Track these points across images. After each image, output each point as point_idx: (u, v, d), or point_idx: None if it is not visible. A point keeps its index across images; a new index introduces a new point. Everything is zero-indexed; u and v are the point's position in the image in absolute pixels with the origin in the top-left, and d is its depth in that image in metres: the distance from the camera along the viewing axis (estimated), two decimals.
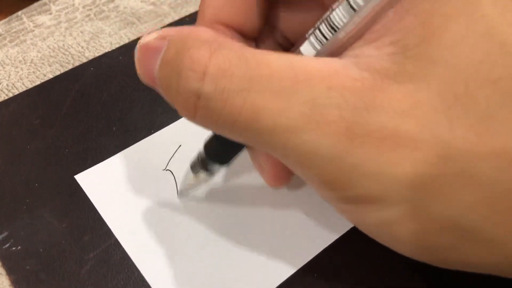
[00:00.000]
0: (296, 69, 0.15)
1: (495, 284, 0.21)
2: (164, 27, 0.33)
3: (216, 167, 0.21)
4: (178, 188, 0.24)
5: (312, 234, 0.22)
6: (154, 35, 0.17)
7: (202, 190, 0.24)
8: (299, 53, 0.17)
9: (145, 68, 0.17)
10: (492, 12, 0.14)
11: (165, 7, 0.35)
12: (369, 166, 0.14)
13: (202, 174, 0.22)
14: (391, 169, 0.14)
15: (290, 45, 0.21)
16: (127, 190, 0.24)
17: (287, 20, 0.20)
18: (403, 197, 0.15)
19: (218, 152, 0.21)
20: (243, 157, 0.25)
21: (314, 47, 0.16)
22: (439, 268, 0.21)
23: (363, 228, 0.18)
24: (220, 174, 0.25)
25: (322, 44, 0.16)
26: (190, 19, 0.34)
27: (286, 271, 0.21)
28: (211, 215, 0.23)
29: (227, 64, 0.15)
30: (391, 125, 0.14)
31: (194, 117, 0.16)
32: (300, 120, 0.14)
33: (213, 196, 0.24)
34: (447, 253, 0.16)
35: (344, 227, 0.23)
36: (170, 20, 0.34)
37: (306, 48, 0.16)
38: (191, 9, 0.35)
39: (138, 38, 0.32)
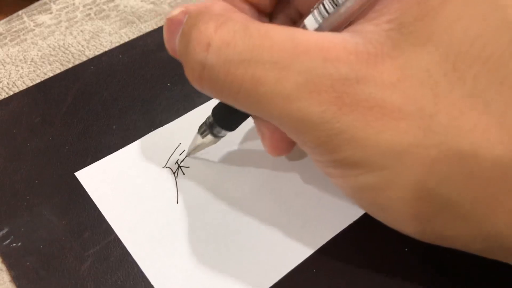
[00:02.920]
0: (296, 42, 0.16)
1: (496, 284, 0.21)
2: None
3: (222, 131, 0.22)
4: (186, 150, 0.25)
5: (311, 230, 0.22)
6: (178, 10, 0.18)
7: (201, 187, 0.24)
8: (304, 25, 0.18)
9: (169, 39, 0.18)
10: None
11: (165, 6, 0.35)
12: (355, 132, 0.16)
13: (209, 137, 0.23)
14: (374, 136, 0.15)
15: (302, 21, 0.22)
16: (127, 187, 0.24)
17: None
18: (383, 164, 0.16)
19: (224, 117, 0.22)
20: (243, 157, 0.25)
21: (316, 21, 0.17)
22: (439, 264, 0.21)
23: (349, 194, 0.19)
24: (220, 172, 0.25)
25: (324, 18, 0.17)
26: None
27: (285, 266, 0.21)
28: (211, 211, 0.23)
29: (231, 36, 0.16)
30: (378, 96, 0.15)
31: (202, 87, 0.17)
32: (295, 89, 0.16)
33: (212, 192, 0.24)
34: (424, 224, 0.17)
35: (343, 223, 0.23)
36: None
37: (309, 21, 0.17)
38: None
39: (138, 37, 0.32)
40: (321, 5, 0.17)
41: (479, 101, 0.15)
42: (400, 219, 0.17)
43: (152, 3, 0.35)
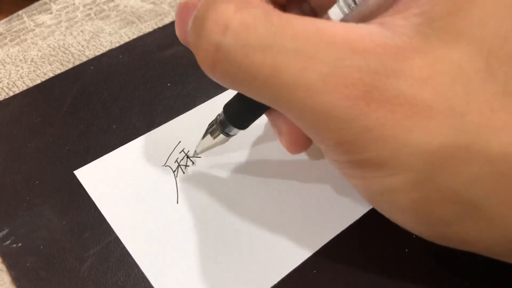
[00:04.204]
0: (321, 31, 0.15)
1: (497, 284, 0.21)
2: (164, 26, 0.33)
3: (233, 130, 0.22)
4: (194, 148, 0.24)
5: (311, 231, 0.22)
6: None
7: (201, 186, 0.24)
8: (328, 17, 0.17)
9: (180, 25, 0.17)
10: None
11: (165, 6, 0.35)
12: (383, 130, 0.15)
13: (219, 136, 0.22)
14: (404, 135, 0.15)
15: (315, 17, 0.21)
16: (127, 186, 0.24)
17: None
18: (411, 165, 0.15)
19: (237, 114, 0.21)
20: (243, 157, 0.25)
21: (342, 11, 0.16)
22: (439, 265, 0.21)
23: (367, 196, 0.18)
24: (220, 172, 0.25)
25: (351, 9, 0.16)
26: None
27: (286, 267, 0.21)
28: (211, 211, 0.23)
29: (252, 20, 0.15)
30: (409, 92, 0.14)
31: (214, 71, 0.16)
32: (319, 80, 0.15)
33: (213, 192, 0.24)
34: (447, 227, 0.16)
35: (343, 223, 0.23)
36: (170, 19, 0.34)
37: (334, 11, 0.17)
38: None
39: (138, 38, 0.32)
40: None
41: (510, 99, 0.14)
42: (421, 222, 0.17)
43: (152, 3, 0.35)
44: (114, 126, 0.27)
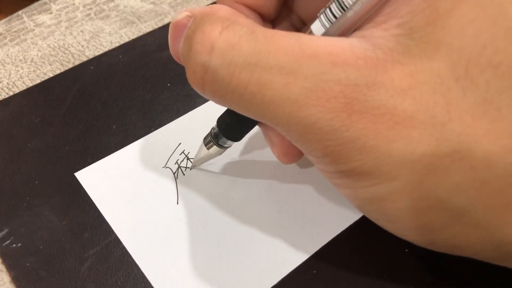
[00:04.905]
0: (303, 46, 0.15)
1: (496, 285, 0.21)
2: (164, 26, 0.33)
3: (227, 142, 0.22)
4: (192, 162, 0.25)
5: (311, 232, 0.22)
6: (183, 14, 0.17)
7: (201, 187, 0.24)
8: (310, 31, 0.17)
9: (173, 44, 0.18)
10: None
11: (165, 6, 0.35)
12: (365, 141, 0.15)
13: (214, 148, 0.23)
14: (386, 145, 0.15)
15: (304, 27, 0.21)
16: (127, 187, 0.24)
17: (304, 3, 0.21)
18: (395, 174, 0.15)
19: (230, 128, 0.21)
20: (243, 158, 0.25)
21: (323, 26, 0.17)
22: (440, 266, 0.21)
23: (357, 204, 0.18)
24: (220, 173, 0.25)
25: (331, 23, 0.17)
26: None
27: (285, 268, 0.21)
28: (211, 212, 0.23)
29: (237, 39, 0.15)
30: (389, 103, 0.15)
31: (204, 91, 0.17)
32: (302, 94, 0.15)
33: (212, 193, 0.24)
34: (435, 234, 0.17)
35: (343, 224, 0.23)
36: (170, 19, 0.34)
37: (316, 26, 0.17)
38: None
39: (138, 38, 0.32)
40: (328, 10, 0.17)
41: (492, 107, 0.15)
42: (410, 229, 0.17)
43: (152, 3, 0.35)
44: (114, 126, 0.27)
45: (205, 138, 0.23)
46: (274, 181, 0.24)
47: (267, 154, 0.25)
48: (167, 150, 0.26)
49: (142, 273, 0.21)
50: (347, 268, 0.21)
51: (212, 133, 0.22)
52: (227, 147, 0.23)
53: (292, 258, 0.22)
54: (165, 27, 0.33)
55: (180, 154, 0.25)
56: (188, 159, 0.25)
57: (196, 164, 0.24)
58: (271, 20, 0.21)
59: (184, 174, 0.25)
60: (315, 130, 0.15)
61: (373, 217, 0.18)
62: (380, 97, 0.15)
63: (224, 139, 0.22)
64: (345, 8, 0.16)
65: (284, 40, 0.15)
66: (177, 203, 0.23)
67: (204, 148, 0.23)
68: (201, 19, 0.16)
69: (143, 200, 0.24)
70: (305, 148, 0.17)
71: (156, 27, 0.33)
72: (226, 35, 0.15)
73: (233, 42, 0.15)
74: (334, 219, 0.23)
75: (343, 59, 0.15)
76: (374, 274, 0.21)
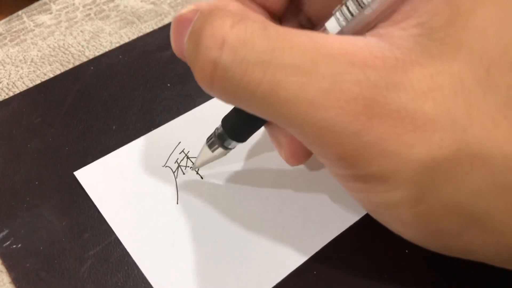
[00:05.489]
0: (318, 45, 0.15)
1: (497, 285, 0.21)
2: (164, 26, 0.33)
3: (232, 143, 0.21)
4: (195, 162, 0.24)
5: (312, 232, 0.22)
6: (189, 8, 0.17)
7: (201, 187, 0.24)
8: (324, 29, 0.17)
9: (176, 39, 0.17)
10: None
11: (165, 6, 0.35)
12: (385, 145, 0.14)
13: (218, 149, 0.22)
14: (406, 150, 0.14)
15: (312, 27, 0.21)
16: (127, 187, 0.24)
17: (312, 1, 0.20)
18: (414, 179, 0.15)
19: (235, 128, 0.21)
20: (243, 158, 0.25)
21: (339, 23, 0.16)
22: (440, 267, 0.21)
23: (369, 209, 0.18)
24: (220, 173, 0.25)
25: (348, 21, 0.16)
26: None
27: (286, 268, 0.21)
28: (211, 212, 0.23)
29: (249, 35, 0.15)
30: (410, 106, 0.14)
31: (212, 88, 0.16)
32: (319, 95, 0.14)
33: (212, 193, 0.24)
34: (450, 239, 0.16)
35: (344, 225, 0.23)
36: (170, 19, 0.34)
37: (331, 24, 0.16)
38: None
39: (138, 38, 0.32)
40: (344, 7, 0.16)
41: None
42: (424, 234, 0.17)
43: (152, 3, 0.35)
44: (114, 127, 0.27)
45: (208, 139, 0.22)
46: (274, 182, 0.24)
47: (267, 155, 0.25)
48: (167, 149, 0.26)
49: (142, 274, 0.21)
50: (347, 269, 0.21)
51: (216, 133, 0.21)
52: (231, 149, 0.22)
53: (292, 259, 0.22)
54: (165, 27, 0.33)
55: (180, 153, 0.25)
56: (188, 158, 0.25)
57: (199, 166, 0.24)
58: (279, 18, 0.20)
59: (184, 174, 0.25)
60: (332, 133, 0.15)
61: (385, 221, 0.18)
62: (401, 99, 0.14)
63: (228, 140, 0.21)
64: (362, 5, 0.15)
65: (298, 37, 0.15)
66: (177, 203, 0.23)
67: (207, 149, 0.22)
68: (210, 13, 0.15)
69: (143, 200, 0.24)
70: (319, 151, 0.16)
71: (156, 27, 0.33)
72: (238, 30, 0.15)
73: (245, 37, 0.15)
74: (334, 219, 0.23)
75: (361, 59, 0.14)
76: (375, 275, 0.21)
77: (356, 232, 0.22)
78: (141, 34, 0.33)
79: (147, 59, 0.31)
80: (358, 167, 0.15)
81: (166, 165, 0.25)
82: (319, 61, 0.14)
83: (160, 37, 0.32)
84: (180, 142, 0.26)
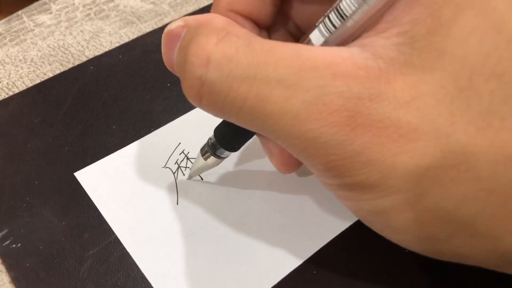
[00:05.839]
0: (302, 58, 0.15)
1: (497, 286, 0.21)
2: (164, 26, 0.33)
3: (225, 152, 0.22)
4: (189, 171, 0.24)
5: (311, 232, 0.22)
6: (177, 23, 0.17)
7: (201, 188, 0.24)
8: (309, 40, 0.17)
9: (167, 54, 0.17)
10: (503, 6, 0.14)
11: (165, 6, 0.35)
12: (370, 154, 0.15)
13: (211, 159, 0.22)
14: (391, 158, 0.15)
15: (302, 35, 0.21)
16: (127, 188, 0.24)
17: (300, 10, 0.20)
18: (401, 187, 0.15)
19: (227, 138, 0.21)
20: (243, 158, 0.25)
21: (323, 35, 0.16)
22: (439, 267, 0.21)
23: (360, 216, 0.18)
24: (220, 174, 0.25)
25: (331, 32, 0.16)
26: None
27: (285, 268, 0.21)
28: (211, 212, 0.23)
29: (234, 51, 0.15)
30: (394, 115, 0.15)
31: (200, 104, 0.16)
32: (303, 108, 0.15)
33: (212, 193, 0.24)
34: (440, 244, 0.16)
35: (343, 224, 0.23)
36: (170, 19, 0.34)
37: (315, 35, 0.17)
38: (190, 8, 0.35)
39: (138, 38, 0.32)
40: (326, 19, 0.16)
41: (496, 117, 0.14)
42: (414, 240, 0.17)
43: (152, 3, 0.35)
44: (114, 127, 0.27)
45: (202, 149, 0.23)
46: (273, 182, 0.24)
47: (267, 157, 0.25)
48: (166, 150, 0.26)
49: (142, 274, 0.21)
50: (346, 269, 0.21)
51: (209, 143, 0.22)
52: (225, 157, 0.22)
53: (292, 259, 0.22)
54: (165, 27, 0.33)
55: (180, 154, 0.25)
56: (188, 159, 0.25)
57: (193, 175, 0.24)
58: (267, 28, 0.20)
59: (184, 174, 0.25)
60: (318, 144, 0.15)
61: (376, 228, 0.18)
62: (384, 109, 0.14)
63: (221, 149, 0.22)
64: (344, 17, 0.16)
65: (282, 51, 0.15)
66: (177, 204, 0.23)
67: (201, 158, 0.23)
68: (196, 29, 0.16)
69: (143, 200, 0.24)
70: (307, 161, 0.17)
71: (156, 27, 0.33)
72: (222, 47, 0.15)
73: (230, 54, 0.15)
74: (333, 220, 0.23)
75: (344, 71, 0.15)
76: (374, 275, 0.21)
77: (355, 233, 0.23)
78: (141, 34, 0.33)
79: (147, 59, 0.31)
80: (344, 176, 0.16)
81: (166, 166, 0.25)
82: (303, 75, 0.15)
83: (160, 37, 0.32)
84: (180, 143, 0.26)
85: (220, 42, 0.15)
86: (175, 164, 0.25)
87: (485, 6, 0.14)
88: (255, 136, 0.21)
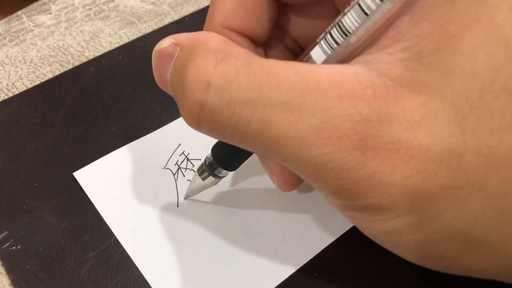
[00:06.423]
0: (305, 78, 0.14)
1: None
2: (164, 27, 0.33)
3: (223, 172, 0.21)
4: (186, 191, 0.24)
5: (312, 234, 0.22)
6: (168, 42, 0.16)
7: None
8: (309, 57, 0.16)
9: (159, 73, 0.17)
10: (509, 19, 0.14)
11: (165, 6, 0.35)
12: (382, 177, 0.14)
13: (209, 178, 0.22)
14: (403, 181, 0.14)
15: (300, 50, 0.21)
16: (127, 189, 0.24)
17: (298, 24, 0.20)
18: (412, 208, 0.15)
19: (225, 157, 0.21)
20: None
21: (324, 52, 0.16)
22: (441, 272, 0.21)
23: (370, 235, 0.18)
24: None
25: (333, 49, 0.16)
26: (190, 19, 0.34)
27: (286, 270, 0.21)
28: (211, 214, 0.23)
29: (234, 74, 0.14)
30: (404, 137, 0.14)
31: (200, 128, 0.16)
32: (311, 132, 0.14)
33: (213, 195, 0.24)
34: (451, 261, 0.16)
35: (344, 227, 0.23)
36: (170, 19, 0.34)
37: (316, 52, 0.16)
38: (191, 9, 0.35)
39: (138, 38, 0.32)
40: (328, 35, 0.16)
41: (507, 134, 0.14)
42: (426, 258, 0.17)
43: (152, 3, 0.35)
44: (114, 128, 0.27)
45: (199, 168, 0.22)
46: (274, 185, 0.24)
47: None
48: (166, 151, 0.26)
49: (142, 276, 0.21)
50: (347, 272, 0.21)
51: (207, 163, 0.21)
52: (222, 177, 0.22)
53: (293, 261, 0.21)
54: (165, 28, 0.33)
55: (180, 155, 0.25)
56: (188, 160, 0.25)
57: (190, 194, 0.24)
58: (263, 43, 0.20)
59: (184, 176, 0.24)
60: (327, 169, 0.15)
61: (387, 247, 0.18)
62: (394, 131, 0.14)
63: (219, 168, 0.21)
64: (347, 33, 0.15)
65: (283, 72, 0.14)
66: (177, 205, 0.23)
67: (198, 178, 0.22)
68: (191, 50, 0.15)
69: (143, 202, 0.23)
70: (316, 185, 0.16)
71: (156, 27, 0.33)
72: (221, 70, 0.14)
73: (230, 77, 0.14)
74: (335, 222, 0.23)
75: (351, 91, 0.14)
76: (376, 277, 0.21)
77: (357, 234, 0.22)
78: (141, 34, 0.33)
79: (147, 59, 0.31)
80: (355, 199, 0.15)
81: (166, 167, 0.25)
82: (308, 97, 0.14)
83: (160, 37, 0.32)
84: (180, 144, 0.26)
85: (219, 64, 0.14)
86: (175, 165, 0.25)
87: (491, 20, 0.14)
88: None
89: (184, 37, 0.16)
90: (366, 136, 0.14)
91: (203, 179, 0.22)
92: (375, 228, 0.16)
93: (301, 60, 0.17)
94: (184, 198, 0.24)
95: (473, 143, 0.14)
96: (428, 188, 0.14)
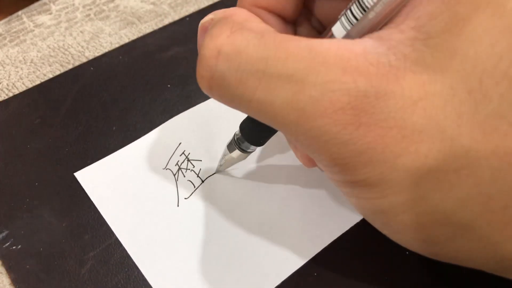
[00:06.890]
0: (314, 52, 0.15)
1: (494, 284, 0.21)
2: (164, 27, 0.33)
3: (250, 147, 0.22)
4: (218, 165, 0.25)
5: (312, 234, 0.22)
6: (208, 17, 0.17)
7: (201, 189, 0.24)
8: (331, 33, 0.17)
9: (199, 46, 0.18)
10: None
11: (165, 6, 0.35)
12: (372, 154, 0.15)
13: (236, 152, 0.23)
14: (393, 159, 0.15)
15: (323, 30, 0.21)
16: (127, 189, 0.24)
17: (322, 5, 0.20)
18: (402, 188, 0.15)
19: (252, 133, 0.21)
20: (244, 161, 0.25)
21: (344, 27, 0.16)
22: (441, 269, 0.21)
23: (362, 213, 0.18)
24: (220, 176, 0.25)
25: (353, 24, 0.16)
26: (190, 19, 0.34)
27: (286, 270, 0.21)
28: (211, 214, 0.23)
29: (244, 44, 0.15)
30: (399, 115, 0.14)
31: (211, 94, 0.17)
32: (309, 104, 0.15)
33: (213, 195, 0.24)
34: (439, 247, 0.16)
35: (344, 226, 0.23)
36: (170, 20, 0.34)
37: (337, 28, 0.17)
38: (191, 9, 0.35)
39: (138, 38, 0.32)
40: (348, 11, 0.16)
41: (504, 121, 0.14)
42: (414, 241, 0.17)
43: (152, 3, 0.35)
44: (114, 128, 0.27)
45: (229, 144, 0.23)
46: (274, 184, 0.24)
47: (267, 159, 0.25)
48: (167, 151, 0.26)
49: (143, 276, 0.21)
50: (348, 271, 0.21)
51: (235, 138, 0.22)
52: (250, 152, 0.23)
53: (293, 261, 0.22)
54: (165, 28, 0.33)
55: (180, 155, 0.25)
56: (188, 160, 0.25)
57: (221, 169, 0.25)
58: (293, 23, 0.20)
59: (184, 176, 0.25)
60: (321, 142, 0.15)
61: (377, 227, 0.18)
62: (389, 108, 0.14)
63: (246, 143, 0.22)
64: (366, 9, 0.15)
65: (294, 45, 0.15)
66: (178, 205, 0.23)
67: (228, 152, 0.23)
68: (216, 22, 0.16)
69: (144, 201, 0.24)
70: (314, 156, 0.17)
71: (156, 27, 0.33)
72: (233, 40, 0.15)
73: (240, 47, 0.15)
74: (335, 221, 0.23)
75: (355, 66, 0.14)
76: (375, 277, 0.21)
77: (357, 234, 0.22)
78: (141, 34, 0.33)
79: (147, 60, 0.31)
80: (347, 173, 0.16)
81: (166, 167, 0.25)
82: (312, 69, 0.14)
83: (160, 37, 0.32)
84: (180, 143, 0.26)
85: (232, 34, 0.15)
86: (175, 165, 0.25)
87: (502, 7, 0.14)
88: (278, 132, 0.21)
89: (219, 12, 0.17)
90: (361, 112, 0.14)
91: (232, 153, 0.23)
92: (366, 206, 0.17)
93: (324, 36, 0.17)
94: (215, 172, 0.25)
95: (467, 127, 0.14)
96: (417, 169, 0.15)
